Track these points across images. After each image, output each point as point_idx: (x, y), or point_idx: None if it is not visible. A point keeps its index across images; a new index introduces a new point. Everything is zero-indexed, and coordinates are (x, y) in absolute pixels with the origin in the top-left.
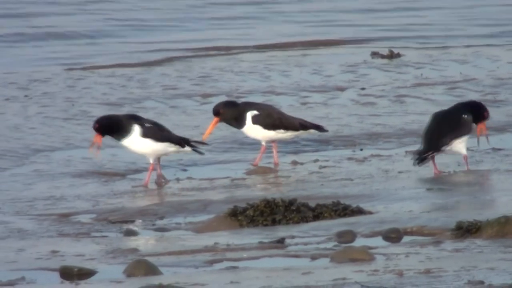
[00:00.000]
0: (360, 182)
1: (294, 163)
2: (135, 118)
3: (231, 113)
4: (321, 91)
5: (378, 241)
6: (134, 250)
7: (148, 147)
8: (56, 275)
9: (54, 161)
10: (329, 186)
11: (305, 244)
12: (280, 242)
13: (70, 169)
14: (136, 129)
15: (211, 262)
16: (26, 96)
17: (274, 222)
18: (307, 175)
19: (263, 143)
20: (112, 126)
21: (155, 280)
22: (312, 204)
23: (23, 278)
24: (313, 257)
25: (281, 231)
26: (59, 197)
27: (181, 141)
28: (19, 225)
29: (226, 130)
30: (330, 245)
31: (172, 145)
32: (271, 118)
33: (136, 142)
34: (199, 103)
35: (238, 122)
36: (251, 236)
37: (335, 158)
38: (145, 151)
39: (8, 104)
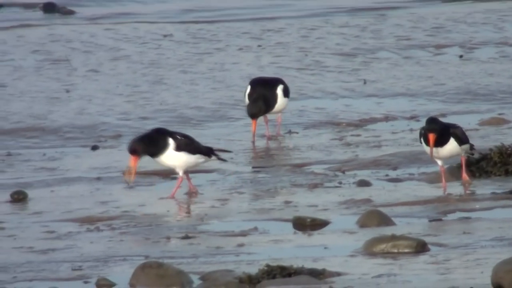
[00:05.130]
0: None
1: None
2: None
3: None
4: None
5: None
6: (367, 201)
7: (182, 160)
8: (289, 225)
9: (287, 111)
10: None
11: None
12: None
13: (303, 120)
14: (171, 143)
15: (444, 213)
16: (259, 46)
17: (507, 173)
18: None
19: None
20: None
21: (388, 230)
22: None
23: (255, 228)
24: None
25: None
26: (292, 147)
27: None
28: (252, 176)
29: (459, 81)
30: None
31: (202, 156)
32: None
33: (171, 156)
34: (432, 54)
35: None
36: (484, 187)
37: None
38: (178, 163)
39: (241, 54)
